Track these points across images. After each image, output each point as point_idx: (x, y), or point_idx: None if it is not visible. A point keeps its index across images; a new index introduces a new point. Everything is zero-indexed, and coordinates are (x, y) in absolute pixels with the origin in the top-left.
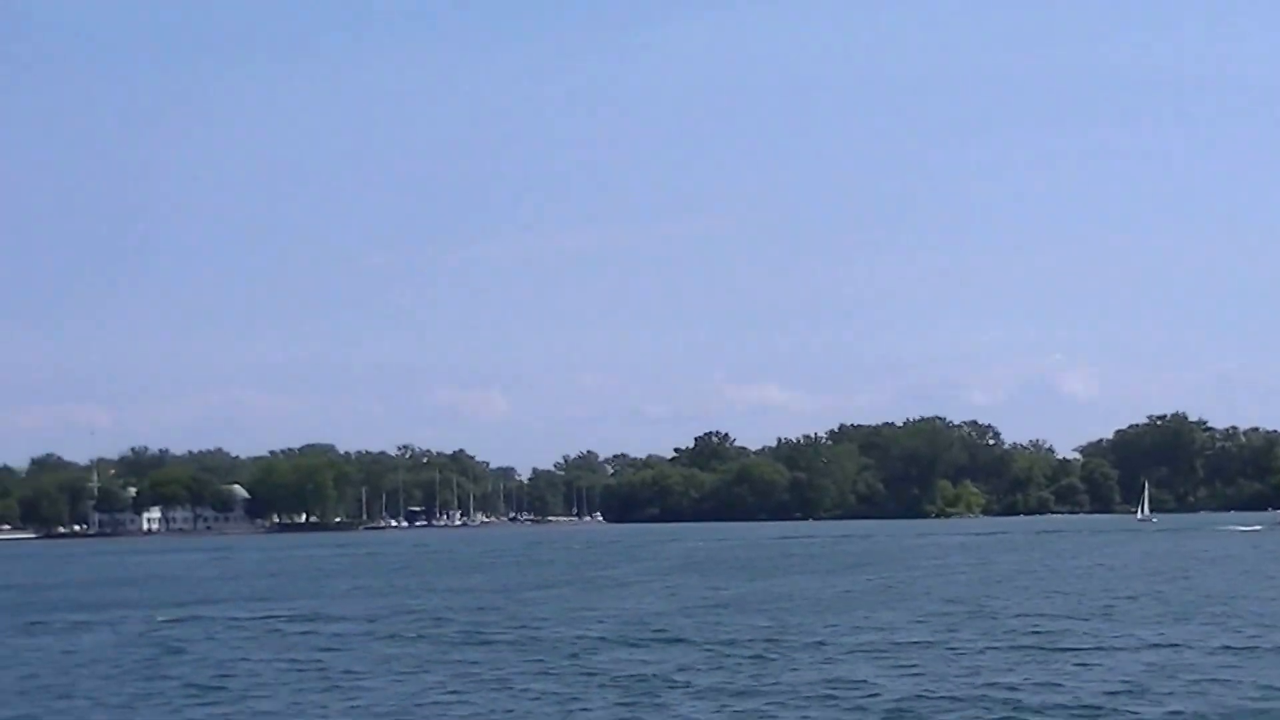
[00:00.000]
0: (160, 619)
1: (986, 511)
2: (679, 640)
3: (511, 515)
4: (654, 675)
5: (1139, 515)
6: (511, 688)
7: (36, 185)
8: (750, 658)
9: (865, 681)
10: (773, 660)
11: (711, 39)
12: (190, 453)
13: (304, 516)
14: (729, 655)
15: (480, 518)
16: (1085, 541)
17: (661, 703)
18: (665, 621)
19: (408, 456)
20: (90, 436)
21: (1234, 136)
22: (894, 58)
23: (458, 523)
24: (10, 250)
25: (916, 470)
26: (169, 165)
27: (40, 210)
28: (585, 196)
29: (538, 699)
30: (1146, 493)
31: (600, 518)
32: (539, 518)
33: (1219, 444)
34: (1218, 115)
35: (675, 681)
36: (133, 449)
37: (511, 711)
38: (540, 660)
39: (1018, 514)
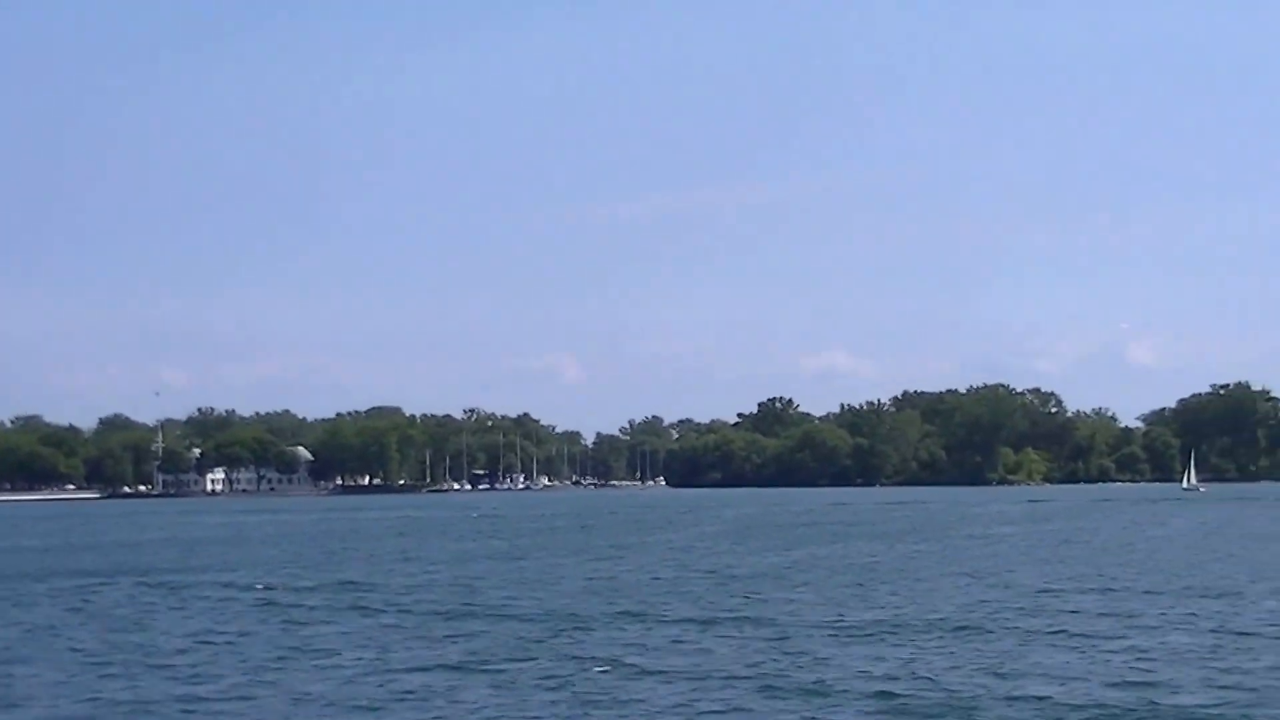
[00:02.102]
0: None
1: (1048, 479)
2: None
3: (575, 479)
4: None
5: (1185, 484)
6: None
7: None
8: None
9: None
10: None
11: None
12: (258, 414)
13: (367, 479)
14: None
15: (544, 481)
16: (1122, 512)
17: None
18: (639, 596)
19: (473, 420)
20: (155, 398)
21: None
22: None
23: (521, 486)
24: (89, 212)
25: (979, 437)
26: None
27: (116, 166)
28: (649, 163)
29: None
30: (1193, 462)
31: (663, 482)
32: (602, 482)
33: None
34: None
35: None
36: (199, 410)
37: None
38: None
39: (1079, 482)
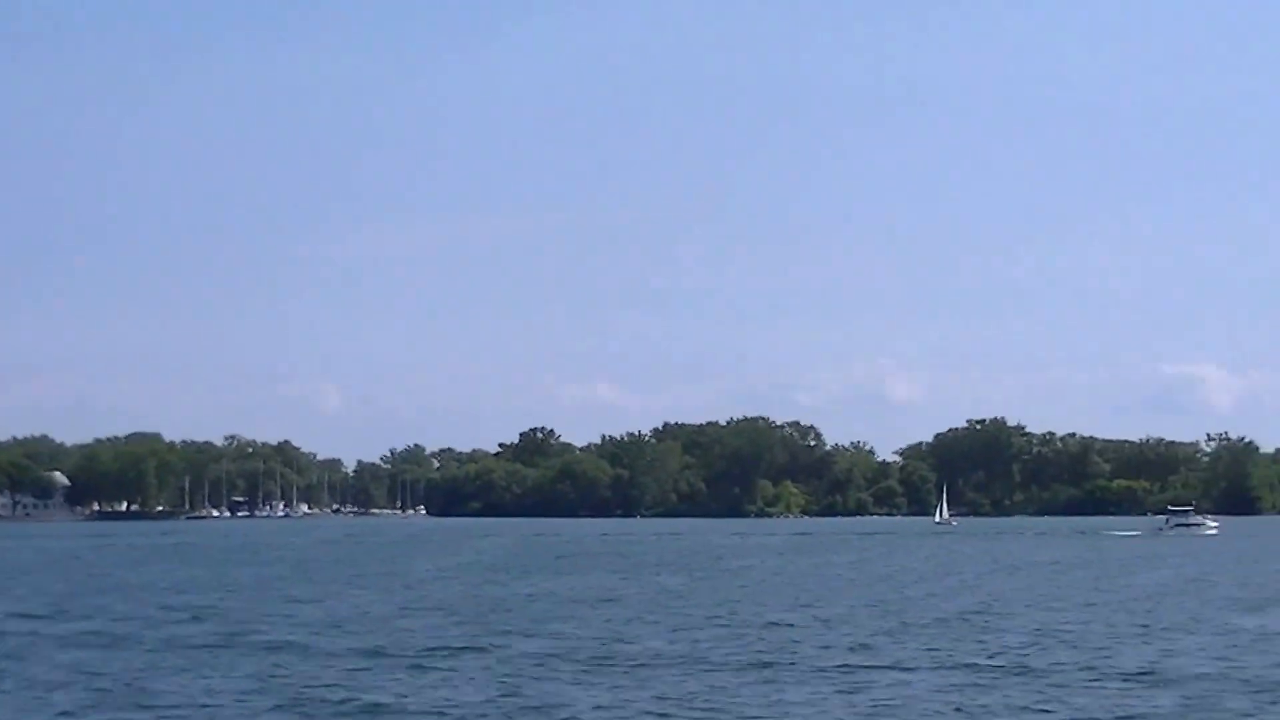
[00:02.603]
0: None
1: (806, 512)
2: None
3: (335, 507)
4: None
5: (937, 519)
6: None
7: None
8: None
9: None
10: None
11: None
12: (14, 439)
13: (125, 505)
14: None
15: (304, 509)
16: (860, 545)
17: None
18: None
19: (234, 446)
20: None
21: (1056, 145)
22: (728, 58)
23: (280, 514)
24: None
25: (738, 469)
26: None
27: None
28: (420, 192)
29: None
30: (945, 496)
31: (424, 511)
32: (362, 510)
33: (1036, 449)
34: (1041, 123)
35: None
36: None
37: None
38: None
39: (837, 514)
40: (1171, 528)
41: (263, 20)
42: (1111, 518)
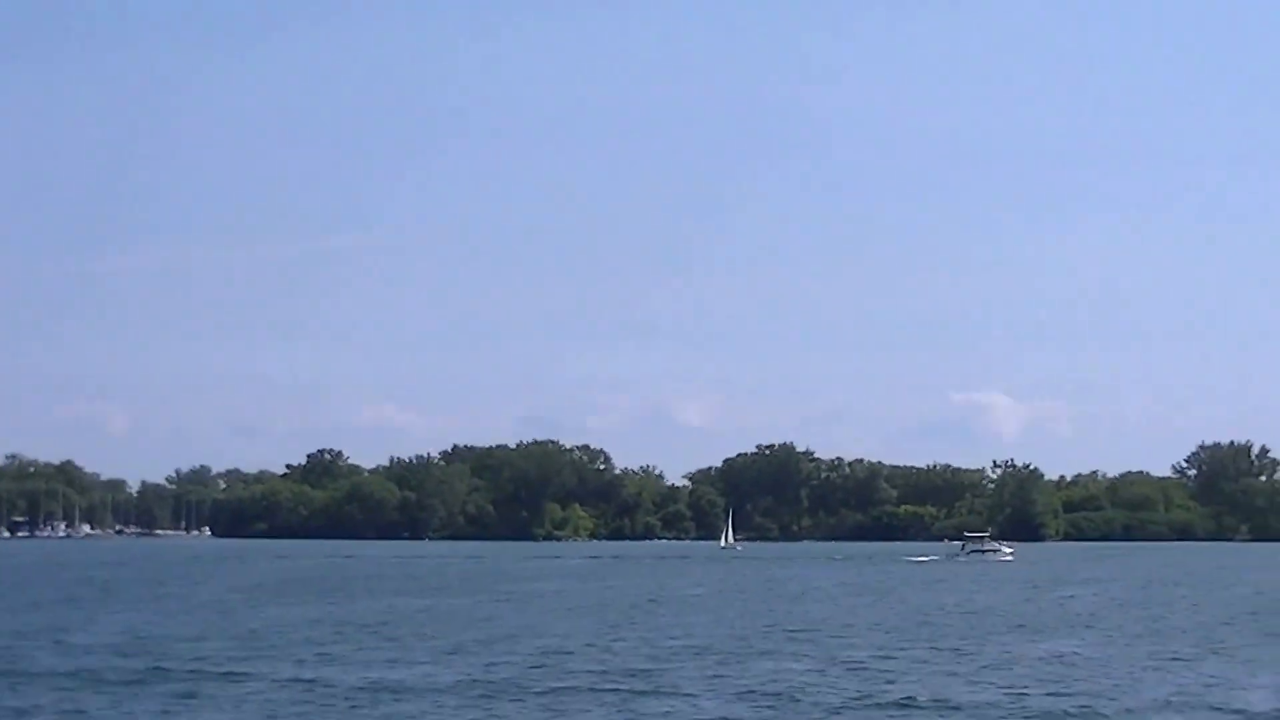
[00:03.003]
0: None
1: (594, 535)
2: None
3: (118, 528)
4: None
5: (723, 543)
6: None
7: None
8: None
9: None
10: None
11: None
12: None
13: None
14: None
15: (86, 529)
16: (629, 569)
17: None
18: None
19: (14, 466)
20: None
21: (844, 175)
22: (508, 80)
23: (61, 534)
24: None
25: (527, 492)
26: None
27: None
28: (212, 209)
29: None
30: (731, 521)
31: (209, 532)
32: (146, 531)
33: (824, 475)
34: (824, 151)
35: None
36: None
37: None
38: None
39: (625, 538)
40: (968, 554)
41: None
42: (911, 543)
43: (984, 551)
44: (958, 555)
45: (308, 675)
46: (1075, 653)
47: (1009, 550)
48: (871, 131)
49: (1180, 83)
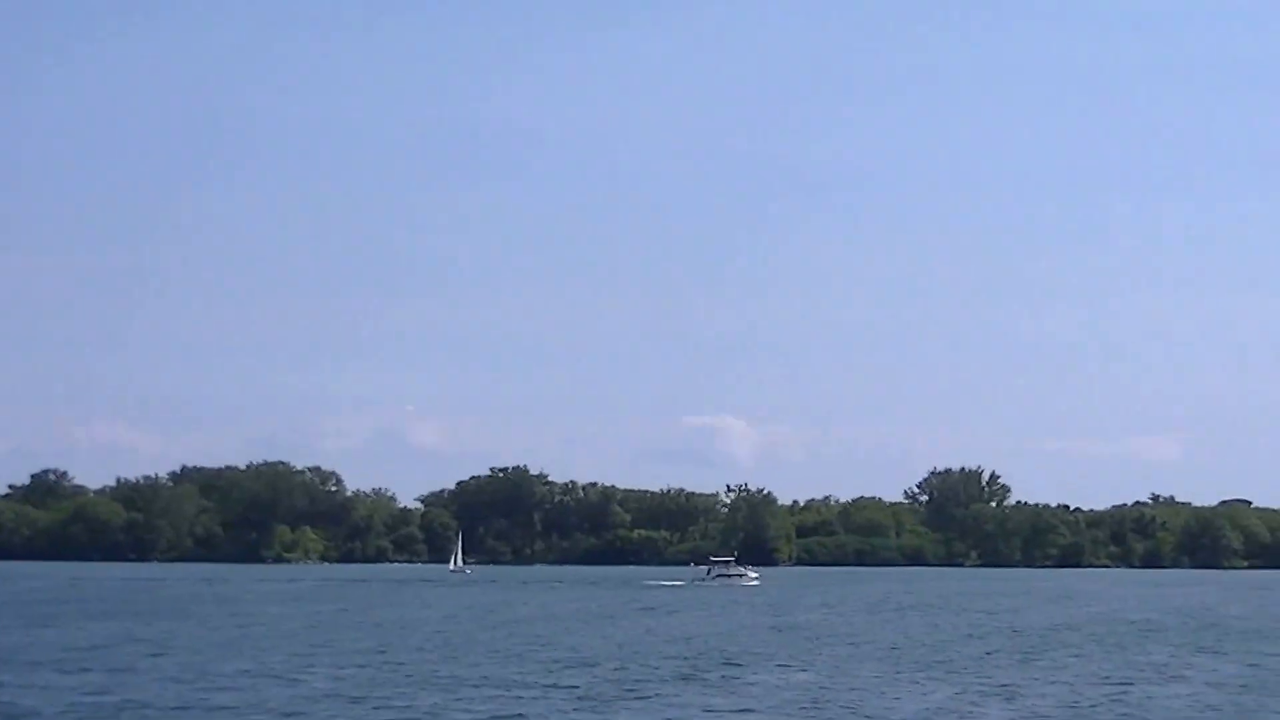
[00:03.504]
0: None
1: (325, 558)
2: None
3: None
4: None
5: (452, 566)
6: None
7: None
8: None
9: None
10: None
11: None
12: None
13: None
14: None
15: None
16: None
17: None
18: None
19: None
20: None
21: (589, 202)
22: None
23: None
24: None
25: (257, 514)
26: None
27: None
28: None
29: None
30: (460, 544)
31: None
32: None
33: (558, 498)
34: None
35: None
36: None
37: None
38: None
39: (356, 561)
40: (714, 578)
41: None
42: (645, 568)
43: (730, 576)
44: (703, 579)
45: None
46: (804, 678)
47: (755, 574)
48: (579, 147)
49: (913, 109)
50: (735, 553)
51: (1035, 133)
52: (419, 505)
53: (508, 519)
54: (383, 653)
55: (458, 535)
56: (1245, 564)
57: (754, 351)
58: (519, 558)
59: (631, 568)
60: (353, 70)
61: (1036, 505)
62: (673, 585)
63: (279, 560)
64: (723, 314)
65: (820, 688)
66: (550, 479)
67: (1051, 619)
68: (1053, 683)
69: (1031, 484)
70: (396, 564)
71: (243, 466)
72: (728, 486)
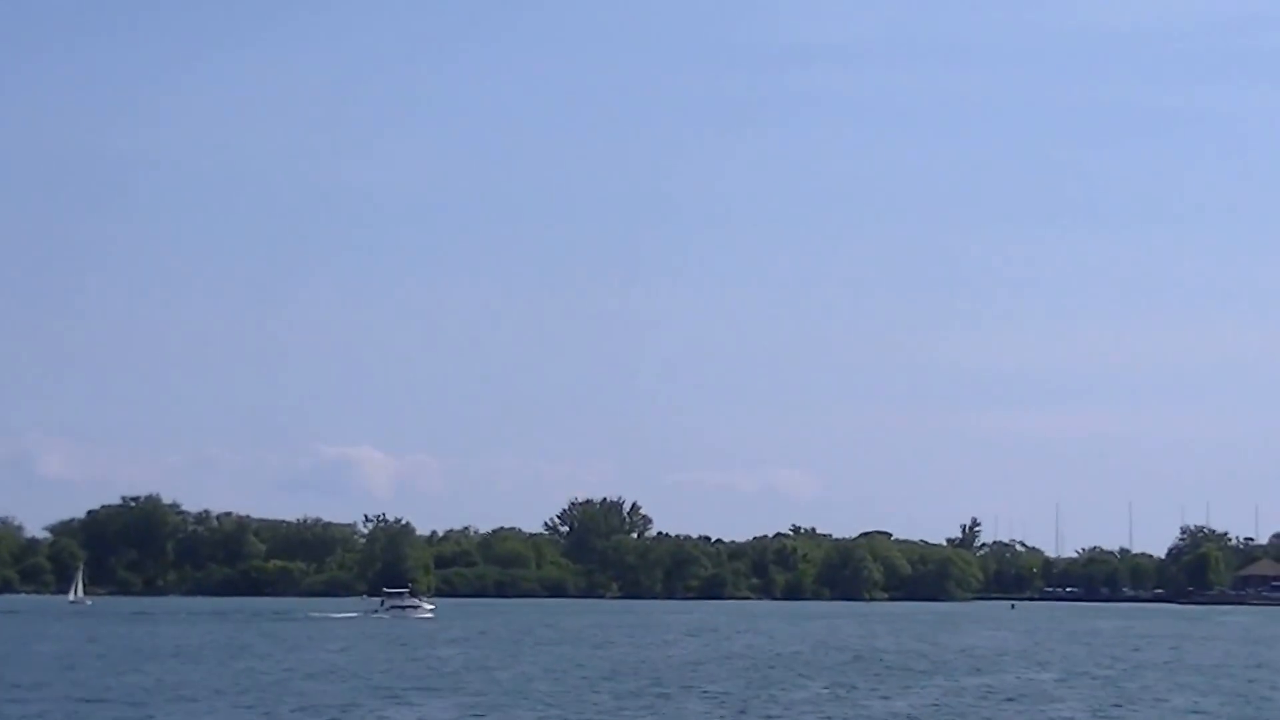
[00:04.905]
0: None
1: None
2: None
3: None
4: None
5: (72, 597)
6: None
7: None
8: None
9: None
10: None
11: None
12: None
13: None
14: None
15: None
16: None
17: None
18: None
19: None
20: None
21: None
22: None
23: None
24: None
25: None
26: None
27: None
28: None
29: None
30: (82, 575)
31: None
32: None
33: (191, 527)
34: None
35: None
36: None
37: None
38: None
39: None
40: (388, 609)
41: None
42: (326, 599)
43: (404, 608)
44: (376, 611)
45: None
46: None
47: (430, 606)
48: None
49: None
50: (411, 584)
51: None
52: (48, 535)
53: (139, 549)
54: None
55: (78, 566)
56: (885, 595)
57: (388, 379)
58: (150, 588)
59: (264, 599)
60: None
61: (678, 536)
62: (346, 616)
63: None
64: (349, 340)
65: None
66: (183, 508)
67: (697, 654)
68: None
69: (673, 515)
70: (23, 595)
71: None
72: (365, 516)
